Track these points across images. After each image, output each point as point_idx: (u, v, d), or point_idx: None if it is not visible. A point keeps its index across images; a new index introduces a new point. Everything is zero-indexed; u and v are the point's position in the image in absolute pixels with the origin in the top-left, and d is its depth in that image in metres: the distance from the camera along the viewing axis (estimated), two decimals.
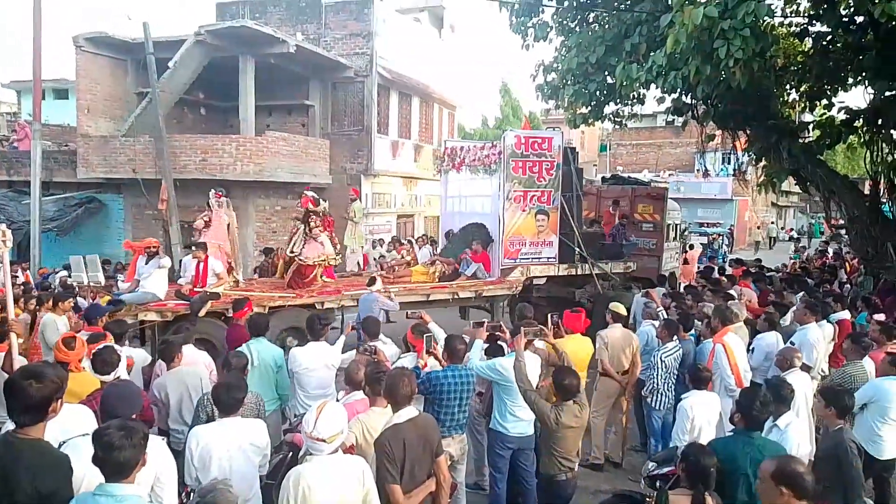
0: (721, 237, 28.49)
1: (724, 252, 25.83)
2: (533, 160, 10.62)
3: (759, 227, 39.06)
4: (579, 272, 11.14)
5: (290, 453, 4.24)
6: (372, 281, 8.63)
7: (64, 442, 3.08)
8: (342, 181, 17.70)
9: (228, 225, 9.76)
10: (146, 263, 8.17)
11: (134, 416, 3.49)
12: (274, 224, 16.10)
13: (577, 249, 11.03)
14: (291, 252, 9.62)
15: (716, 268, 14.45)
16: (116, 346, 4.80)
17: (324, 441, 3.11)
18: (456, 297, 10.16)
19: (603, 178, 13.86)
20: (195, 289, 8.43)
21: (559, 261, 10.96)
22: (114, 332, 5.56)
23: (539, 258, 10.82)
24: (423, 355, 5.24)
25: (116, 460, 2.59)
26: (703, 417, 4.89)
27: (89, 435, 2.77)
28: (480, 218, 11.48)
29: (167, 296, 8.33)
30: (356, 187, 17.83)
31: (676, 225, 15.45)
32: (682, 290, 10.81)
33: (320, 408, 3.20)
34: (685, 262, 16.47)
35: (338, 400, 4.71)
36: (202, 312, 7.35)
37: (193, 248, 8.93)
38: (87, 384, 4.20)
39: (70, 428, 3.22)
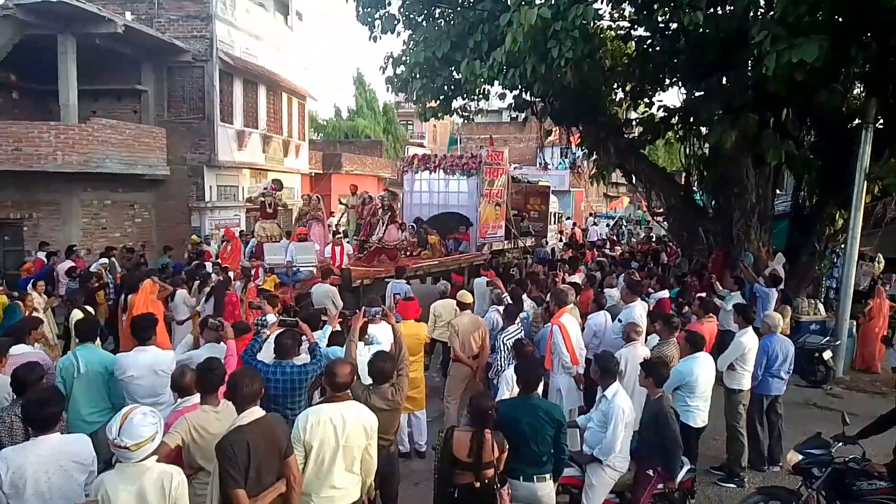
0: (622, 220, 32.32)
1: (625, 233, 28.73)
2: (495, 167, 15.04)
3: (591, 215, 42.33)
4: (513, 247, 16.11)
5: None
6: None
7: None
8: (182, 172, 16.59)
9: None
10: None
11: None
12: (103, 220, 14.70)
13: (513, 231, 16.04)
14: (380, 241, 12.46)
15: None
16: None
17: (127, 449, 2.94)
18: (460, 265, 13.64)
19: None
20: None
21: (505, 238, 15.66)
22: None
23: (496, 237, 15.41)
24: None
25: None
26: None
27: None
28: (457, 209, 15.35)
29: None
30: (200, 178, 16.95)
31: (554, 213, 21.24)
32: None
33: (125, 414, 3.01)
34: (561, 238, 21.88)
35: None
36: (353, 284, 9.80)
37: (333, 236, 12.15)
38: None
39: None
